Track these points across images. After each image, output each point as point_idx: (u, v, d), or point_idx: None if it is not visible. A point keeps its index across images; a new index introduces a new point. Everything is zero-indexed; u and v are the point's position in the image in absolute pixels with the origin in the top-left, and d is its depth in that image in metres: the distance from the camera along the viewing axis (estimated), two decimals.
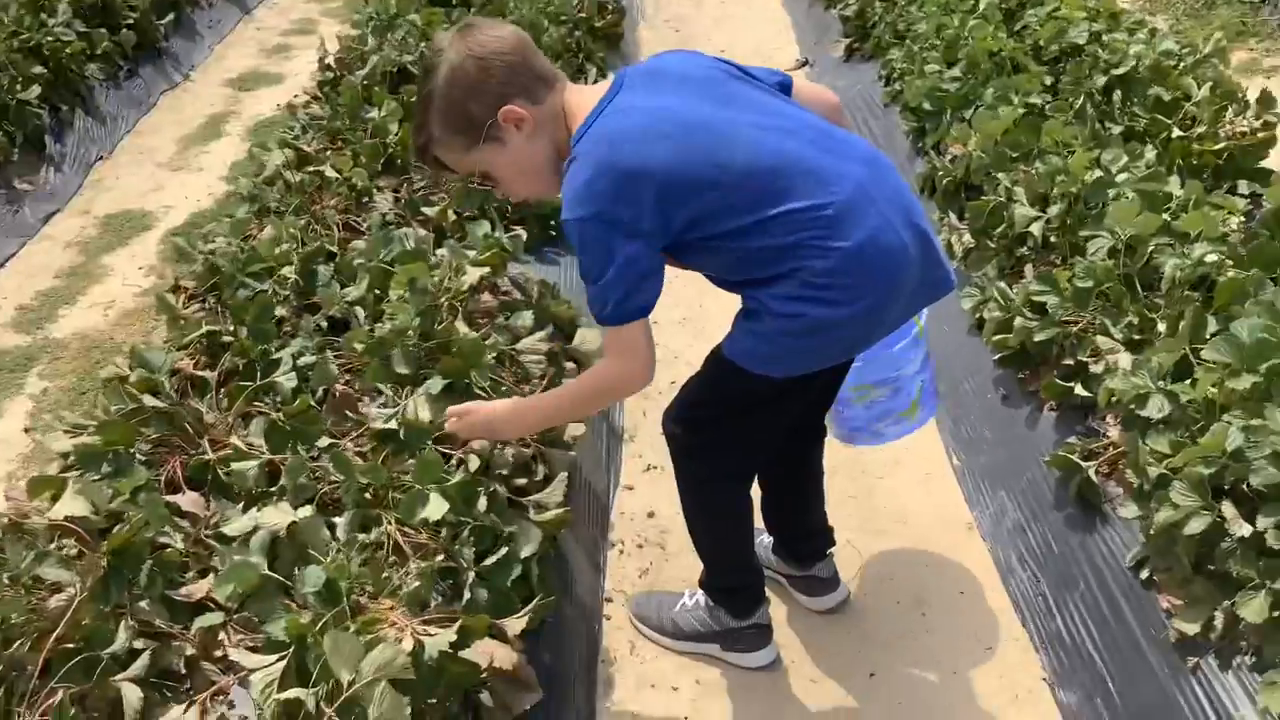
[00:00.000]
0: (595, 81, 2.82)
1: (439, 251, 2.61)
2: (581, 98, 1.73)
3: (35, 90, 4.00)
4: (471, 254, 2.61)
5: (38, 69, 4.11)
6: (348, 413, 2.09)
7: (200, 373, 2.23)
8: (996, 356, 2.59)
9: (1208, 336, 2.08)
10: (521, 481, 2.04)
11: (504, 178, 1.78)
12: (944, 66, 3.72)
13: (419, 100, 1.74)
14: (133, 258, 3.62)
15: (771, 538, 2.35)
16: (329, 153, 3.33)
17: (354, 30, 4.10)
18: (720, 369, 1.82)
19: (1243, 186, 2.95)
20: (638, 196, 1.61)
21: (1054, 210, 2.71)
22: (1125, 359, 2.22)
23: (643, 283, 1.64)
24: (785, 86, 1.87)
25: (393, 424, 1.96)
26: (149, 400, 2.02)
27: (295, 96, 3.87)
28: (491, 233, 2.72)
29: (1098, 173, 2.71)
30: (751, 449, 2.00)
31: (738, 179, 1.64)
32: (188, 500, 1.88)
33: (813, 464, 2.25)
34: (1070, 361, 2.35)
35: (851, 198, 1.65)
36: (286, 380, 2.15)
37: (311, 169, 3.22)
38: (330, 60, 3.93)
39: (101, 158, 4.30)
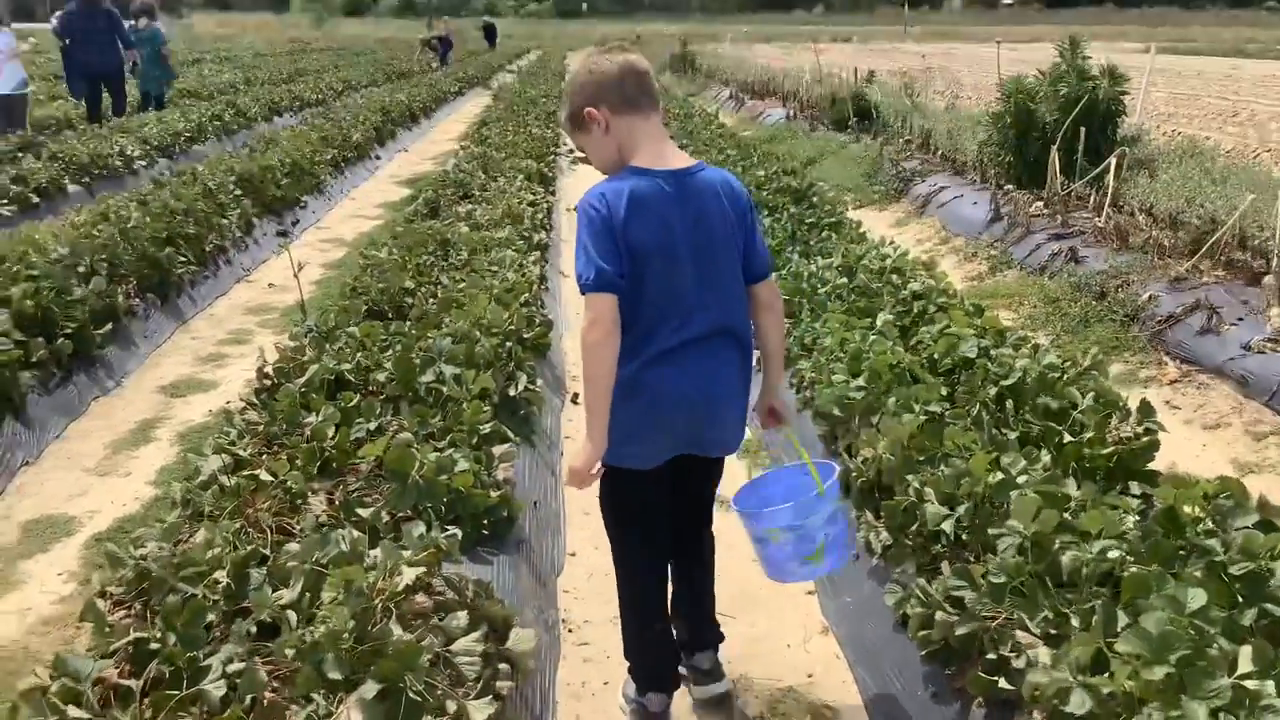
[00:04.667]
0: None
1: (373, 552, 2.64)
2: (653, 145, 2.46)
3: None
4: (407, 554, 2.64)
5: None
6: None
7: (125, 681, 2.18)
8: (923, 652, 2.65)
9: (1119, 629, 2.19)
10: None
11: (589, 154, 2.52)
12: (850, 377, 4.01)
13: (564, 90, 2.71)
14: (52, 565, 3.54)
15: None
16: (264, 457, 3.40)
17: (291, 341, 4.28)
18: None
19: (1134, 487, 3.17)
20: (607, 226, 2.34)
21: (962, 509, 2.88)
22: (1044, 653, 2.30)
23: (606, 263, 2.30)
24: (759, 276, 2.56)
25: None
26: (72, 712, 1.95)
27: (229, 403, 3.97)
28: (427, 533, 2.77)
29: (999, 475, 2.91)
30: (630, 532, 2.69)
31: (646, 286, 2.36)
32: None
33: (693, 561, 2.78)
34: (992, 655, 2.42)
35: (683, 353, 2.40)
36: (215, 689, 2.11)
37: (246, 473, 3.28)
38: (268, 369, 4.07)
39: (27, 463, 4.28)
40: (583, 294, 2.35)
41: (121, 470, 4.31)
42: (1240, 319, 5.14)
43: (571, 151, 13.89)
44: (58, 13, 11.96)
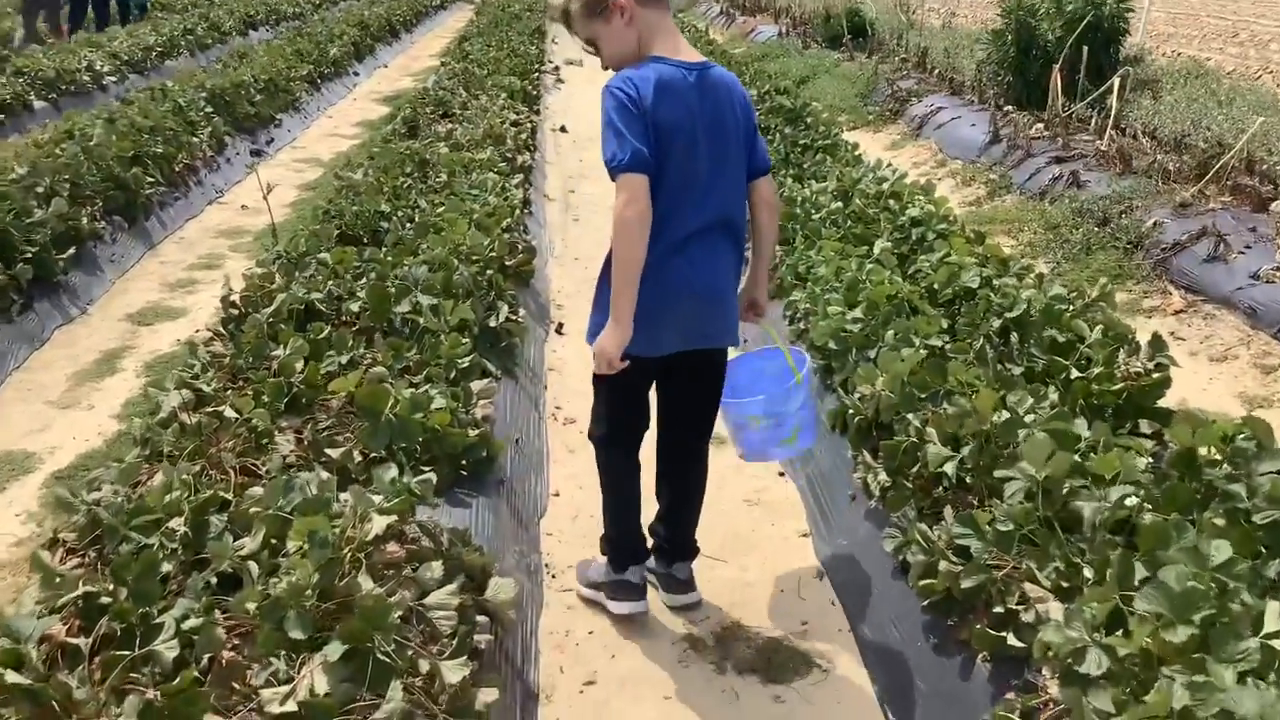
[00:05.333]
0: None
1: (343, 497, 2.48)
2: (671, 40, 2.54)
3: None
4: (378, 500, 2.48)
5: None
6: (236, 685, 1.90)
7: (73, 640, 2.02)
8: (924, 602, 2.52)
9: (1136, 584, 2.05)
10: None
11: (604, 47, 2.56)
12: (846, 308, 3.83)
13: None
14: (10, 505, 3.38)
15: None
16: (230, 392, 3.22)
17: (259, 268, 4.06)
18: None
19: (1144, 425, 3.02)
20: (634, 111, 2.40)
21: (966, 450, 2.73)
22: (1055, 607, 2.17)
23: (637, 144, 2.38)
24: (760, 171, 2.68)
25: (291, 705, 1.77)
26: (10, 677, 1.80)
27: (196, 333, 3.78)
28: (400, 477, 2.61)
29: (1005, 414, 2.76)
30: (616, 415, 2.76)
31: (663, 165, 2.43)
32: None
33: (689, 468, 2.88)
34: (1000, 609, 2.29)
35: (689, 240, 2.50)
36: (168, 649, 1.96)
37: (210, 410, 3.09)
38: (235, 298, 3.87)
39: None
40: (614, 176, 2.42)
41: (85, 403, 4.13)
42: (1248, 247, 4.96)
43: (557, 69, 13.49)
44: None
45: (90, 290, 5.18)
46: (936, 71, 10.14)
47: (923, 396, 3.04)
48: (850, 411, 3.28)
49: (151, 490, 2.59)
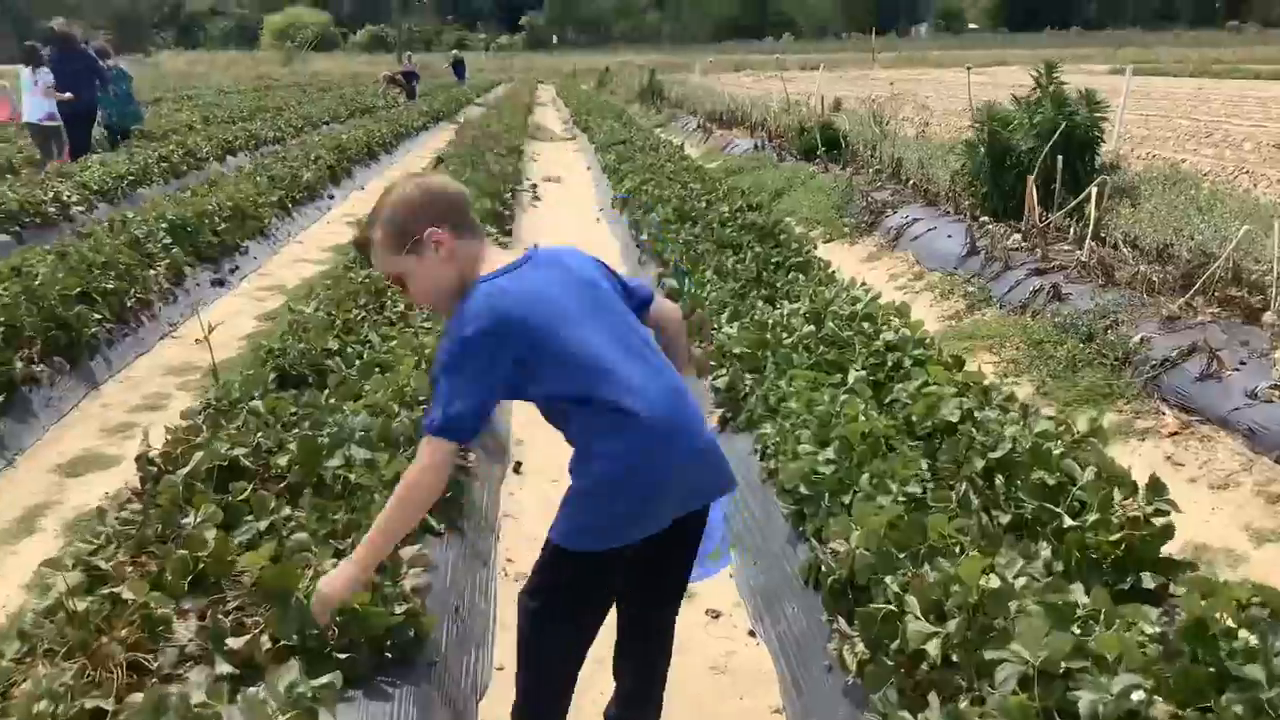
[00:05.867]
0: None
1: (233, 708, 2.15)
2: (495, 257, 2.31)
3: None
4: (273, 707, 2.15)
5: None
6: None
7: None
8: None
9: None
10: None
11: (415, 286, 2.29)
12: (818, 447, 3.55)
13: (374, 208, 2.29)
14: None
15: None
16: (132, 568, 2.89)
17: (184, 420, 3.77)
18: (549, 553, 2.32)
19: (1146, 578, 2.72)
20: (501, 340, 2.14)
21: (952, 625, 2.40)
22: None
23: (460, 400, 2.13)
24: (646, 301, 2.50)
25: None
26: None
27: (107, 495, 3.47)
28: (299, 682, 2.27)
29: (994, 580, 2.45)
30: (583, 620, 2.39)
31: (568, 358, 2.18)
32: None
33: (661, 644, 2.60)
34: None
35: (641, 388, 2.20)
36: None
37: (107, 590, 2.77)
38: (154, 454, 3.57)
39: None
40: (423, 435, 2.19)
41: None
42: (1242, 363, 4.72)
43: (535, 186, 13.48)
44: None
45: (20, 439, 4.87)
46: (911, 182, 10.07)
47: (902, 556, 2.72)
48: (824, 571, 2.96)
49: (17, 701, 2.26)
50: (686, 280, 6.14)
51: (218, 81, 38.71)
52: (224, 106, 23.09)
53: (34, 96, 12.16)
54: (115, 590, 2.74)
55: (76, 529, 4.03)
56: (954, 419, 3.60)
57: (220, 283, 8.23)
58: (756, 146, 15.19)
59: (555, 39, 78.16)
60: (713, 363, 4.87)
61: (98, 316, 6.07)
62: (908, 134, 12.84)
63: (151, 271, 7.21)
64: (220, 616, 2.67)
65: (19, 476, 4.61)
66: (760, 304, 5.45)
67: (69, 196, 10.08)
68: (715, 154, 16.30)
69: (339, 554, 2.90)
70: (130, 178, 11.58)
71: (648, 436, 2.18)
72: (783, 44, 70.57)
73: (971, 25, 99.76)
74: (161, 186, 12.03)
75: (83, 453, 4.88)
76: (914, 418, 3.68)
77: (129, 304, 6.62)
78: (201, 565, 2.83)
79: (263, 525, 3.06)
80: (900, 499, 3.08)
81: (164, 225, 7.96)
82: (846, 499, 3.21)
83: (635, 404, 2.18)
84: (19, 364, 5.12)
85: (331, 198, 12.75)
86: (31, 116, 12.32)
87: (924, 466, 3.27)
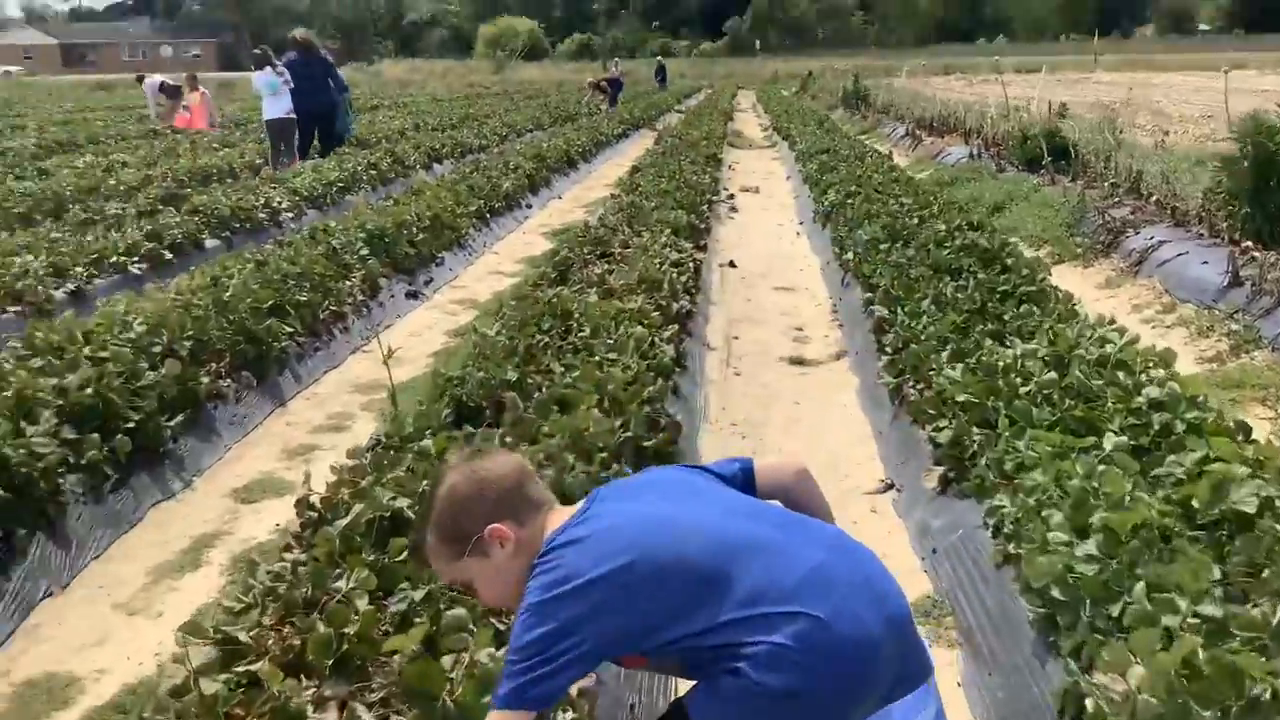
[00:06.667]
0: None
1: None
2: (558, 516, 1.98)
3: None
4: None
5: None
6: None
7: None
8: None
9: None
10: None
11: (481, 587, 2.02)
12: (1073, 536, 2.90)
13: (421, 506, 2.11)
14: None
15: None
16: (274, 638, 2.59)
17: (349, 460, 3.49)
18: None
19: None
20: (584, 600, 1.79)
21: None
22: None
23: (544, 680, 1.76)
24: (747, 472, 2.15)
25: None
26: None
27: (276, 527, 3.20)
28: None
29: None
30: None
31: (695, 568, 1.81)
32: None
33: None
34: None
35: (806, 580, 1.79)
36: None
37: (244, 666, 2.47)
38: (314, 499, 3.29)
39: (51, 593, 3.63)
40: (495, 707, 1.82)
41: (155, 608, 3.61)
42: None
43: (732, 196, 13.02)
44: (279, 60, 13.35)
45: (200, 459, 4.76)
46: (1154, 199, 9.00)
47: (1207, 715, 2.08)
48: (1091, 711, 2.34)
49: None
50: (900, 310, 5.51)
51: (433, 89, 40.28)
52: (434, 114, 23.76)
53: (274, 97, 13.05)
54: (252, 669, 2.44)
55: (243, 563, 3.83)
56: (1249, 509, 2.88)
57: (414, 295, 8.14)
58: (972, 155, 14.21)
59: (758, 44, 77.45)
60: (931, 411, 4.25)
61: (289, 330, 5.99)
62: (1144, 143, 11.62)
63: (347, 283, 7.15)
64: (362, 711, 2.32)
65: (195, 500, 4.48)
66: (987, 342, 4.77)
67: (279, 202, 10.35)
68: (925, 163, 15.39)
69: (500, 636, 2.50)
70: (339, 184, 11.84)
71: (810, 635, 1.76)
72: (996, 46, 67.43)
73: (1203, 26, 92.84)
74: (369, 194, 12.25)
75: (260, 476, 4.73)
76: (1194, 502, 2.98)
77: (322, 316, 6.55)
78: (346, 645, 2.49)
79: (418, 595, 2.70)
80: (1191, 619, 2.42)
81: (362, 235, 7.93)
82: (1115, 610, 2.57)
83: (787, 578, 1.81)
84: (205, 379, 5.03)
85: (529, 207, 12.68)
86: (271, 114, 13.20)
87: (1216, 576, 2.59)
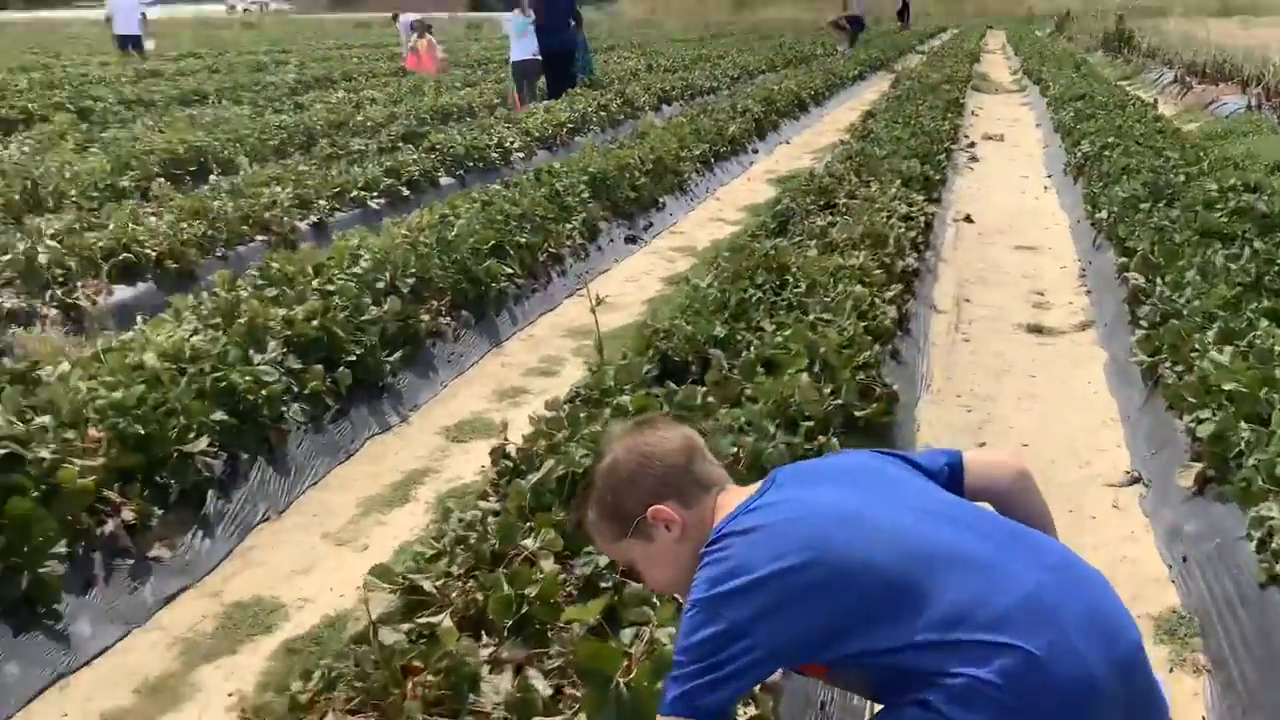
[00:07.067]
0: None
1: None
2: (731, 497, 1.80)
3: (203, 442, 3.58)
4: None
5: (218, 415, 3.72)
6: None
7: None
8: None
9: None
10: None
11: (645, 571, 1.88)
12: None
13: (583, 480, 1.96)
14: (231, 676, 2.94)
15: None
16: (458, 593, 2.55)
17: (548, 412, 3.42)
18: None
19: None
20: (755, 600, 1.59)
21: None
22: None
23: (715, 687, 1.59)
24: (954, 468, 1.89)
25: None
26: None
27: (481, 469, 3.18)
28: None
29: None
30: None
31: (883, 576, 1.59)
32: None
33: None
34: None
35: (1020, 606, 1.54)
36: None
37: (425, 617, 2.45)
38: (510, 449, 3.25)
39: (268, 518, 3.79)
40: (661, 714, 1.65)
41: (361, 540, 3.70)
42: None
43: (973, 145, 12.24)
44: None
45: (417, 395, 4.87)
46: None
47: None
48: None
49: None
50: (1159, 279, 4.94)
51: (670, 29, 40.17)
52: (668, 55, 23.65)
53: (522, 38, 13.56)
54: (432, 621, 2.40)
55: (448, 500, 3.86)
56: None
57: (633, 239, 8.08)
58: (1249, 106, 12.77)
59: None
60: (1191, 398, 3.76)
61: (508, 270, 6.05)
62: None
63: (567, 225, 7.16)
64: (536, 678, 2.24)
65: (409, 435, 4.58)
66: (1263, 323, 4.19)
67: (511, 142, 10.52)
68: (1195, 113, 13.98)
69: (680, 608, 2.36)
70: (570, 125, 11.93)
71: (1023, 670, 1.51)
72: None
73: None
74: (598, 135, 12.30)
75: (471, 416, 4.78)
76: None
77: (541, 258, 6.58)
78: (526, 607, 2.42)
79: (604, 560, 2.59)
80: None
81: (584, 178, 7.91)
82: None
83: (996, 600, 1.55)
84: (425, 317, 5.14)
85: (755, 152, 12.38)
86: (518, 56, 13.76)
87: None
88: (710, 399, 3.51)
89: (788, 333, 4.07)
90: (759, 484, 1.83)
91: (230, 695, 2.84)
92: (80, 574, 3.09)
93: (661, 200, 8.98)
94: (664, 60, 21.76)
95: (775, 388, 3.41)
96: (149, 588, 3.26)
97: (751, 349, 3.95)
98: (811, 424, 3.29)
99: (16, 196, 7.22)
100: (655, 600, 2.43)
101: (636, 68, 19.57)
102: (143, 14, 20.67)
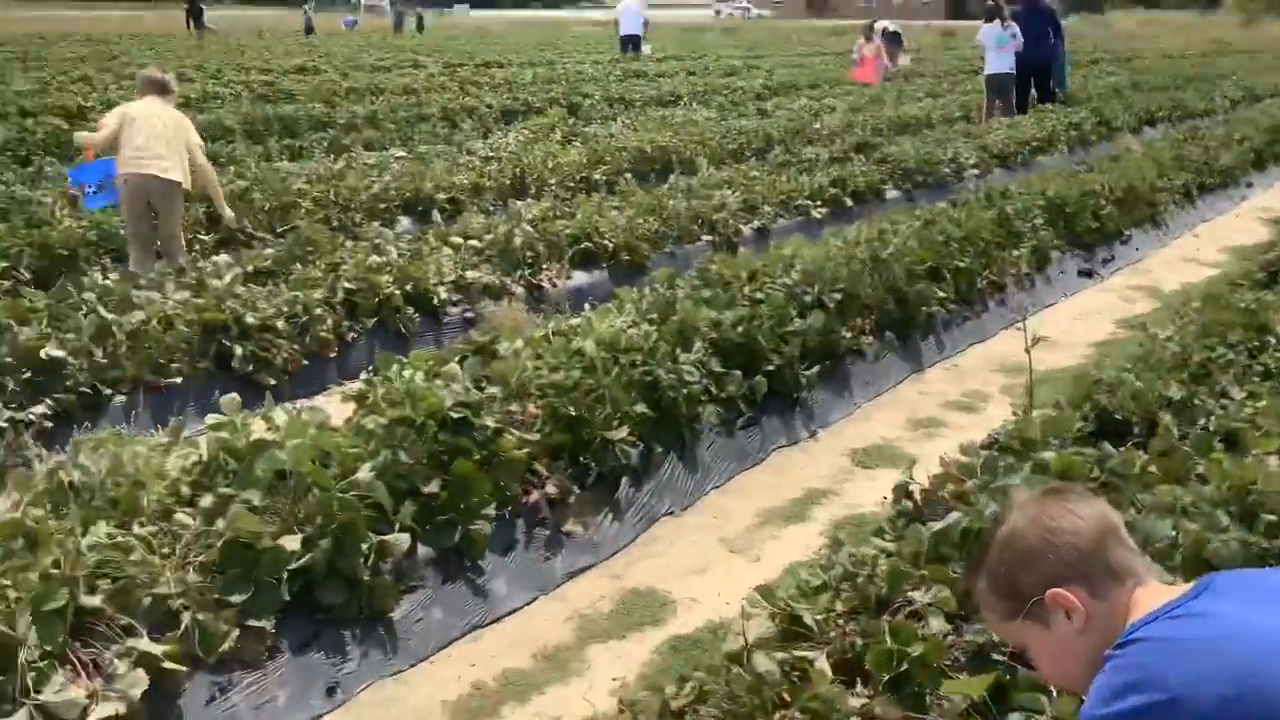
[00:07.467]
0: None
1: None
2: (1151, 595, 1.57)
3: (624, 431, 3.79)
4: None
5: (640, 407, 3.93)
6: None
7: None
8: None
9: None
10: None
11: (1038, 659, 1.69)
12: None
13: (978, 546, 1.77)
14: (618, 659, 3.09)
15: None
16: (834, 633, 2.48)
17: (962, 456, 3.22)
18: None
19: None
20: None
21: None
22: None
23: None
24: None
25: None
26: None
27: (882, 500, 3.10)
28: None
29: None
30: None
31: None
32: None
33: None
34: None
35: None
36: None
37: (802, 650, 2.41)
38: (914, 489, 3.10)
39: (672, 513, 3.94)
40: None
41: (755, 550, 3.74)
42: None
43: None
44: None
45: (828, 413, 4.83)
46: None
47: None
48: None
49: None
50: None
51: (1165, 44, 36.61)
52: (1159, 72, 21.56)
53: (998, 51, 13.21)
54: (808, 657, 2.36)
55: (842, 529, 3.80)
56: None
57: (1088, 273, 7.44)
58: None
59: None
60: None
61: (941, 295, 5.82)
62: None
63: (1014, 252, 6.75)
64: None
65: (815, 451, 4.56)
66: None
67: (966, 158, 10.14)
68: None
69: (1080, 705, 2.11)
70: (1034, 144, 11.29)
71: None
72: None
73: None
74: (1064, 156, 11.52)
75: (881, 441, 4.67)
76: None
77: (979, 285, 6.27)
78: (906, 665, 2.29)
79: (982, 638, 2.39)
80: None
81: (1040, 203, 7.41)
82: None
83: None
84: (847, 334, 5.08)
85: (1250, 185, 10.92)
86: (993, 69, 13.39)
87: None
88: (1151, 469, 3.12)
89: (1260, 404, 3.52)
90: (1190, 585, 1.56)
91: (614, 680, 2.99)
92: (503, 537, 3.40)
93: (1127, 233, 8.19)
94: (1153, 78, 19.87)
95: (1236, 469, 2.94)
96: (559, 560, 3.52)
97: (1211, 419, 3.46)
98: (1278, 521, 2.81)
99: (508, 181, 8.17)
100: (1053, 690, 2.21)
101: (1119, 84, 18.04)
102: (646, 19, 22.52)
